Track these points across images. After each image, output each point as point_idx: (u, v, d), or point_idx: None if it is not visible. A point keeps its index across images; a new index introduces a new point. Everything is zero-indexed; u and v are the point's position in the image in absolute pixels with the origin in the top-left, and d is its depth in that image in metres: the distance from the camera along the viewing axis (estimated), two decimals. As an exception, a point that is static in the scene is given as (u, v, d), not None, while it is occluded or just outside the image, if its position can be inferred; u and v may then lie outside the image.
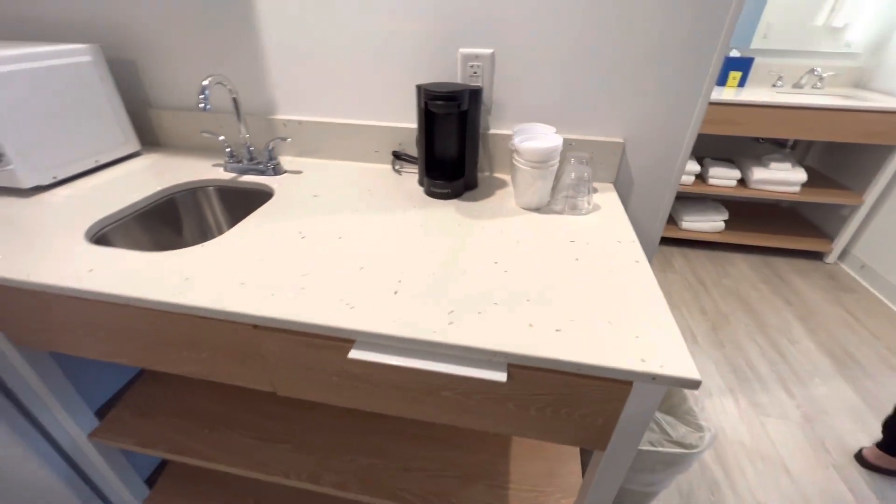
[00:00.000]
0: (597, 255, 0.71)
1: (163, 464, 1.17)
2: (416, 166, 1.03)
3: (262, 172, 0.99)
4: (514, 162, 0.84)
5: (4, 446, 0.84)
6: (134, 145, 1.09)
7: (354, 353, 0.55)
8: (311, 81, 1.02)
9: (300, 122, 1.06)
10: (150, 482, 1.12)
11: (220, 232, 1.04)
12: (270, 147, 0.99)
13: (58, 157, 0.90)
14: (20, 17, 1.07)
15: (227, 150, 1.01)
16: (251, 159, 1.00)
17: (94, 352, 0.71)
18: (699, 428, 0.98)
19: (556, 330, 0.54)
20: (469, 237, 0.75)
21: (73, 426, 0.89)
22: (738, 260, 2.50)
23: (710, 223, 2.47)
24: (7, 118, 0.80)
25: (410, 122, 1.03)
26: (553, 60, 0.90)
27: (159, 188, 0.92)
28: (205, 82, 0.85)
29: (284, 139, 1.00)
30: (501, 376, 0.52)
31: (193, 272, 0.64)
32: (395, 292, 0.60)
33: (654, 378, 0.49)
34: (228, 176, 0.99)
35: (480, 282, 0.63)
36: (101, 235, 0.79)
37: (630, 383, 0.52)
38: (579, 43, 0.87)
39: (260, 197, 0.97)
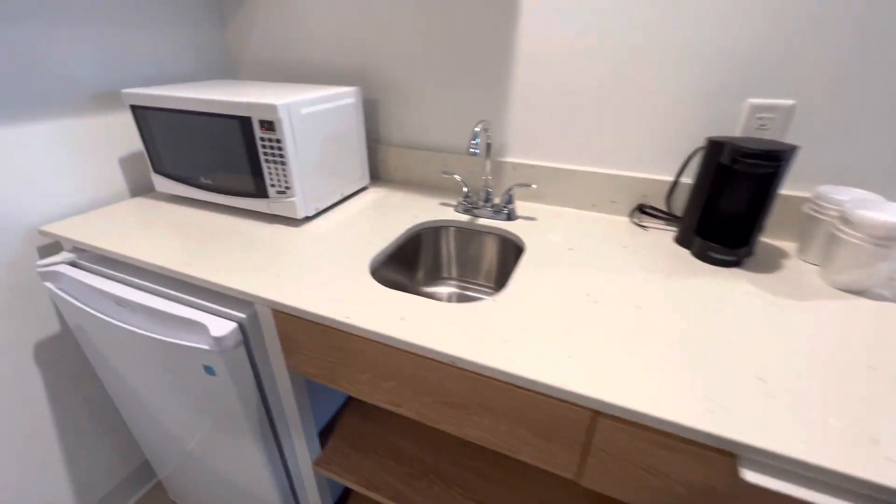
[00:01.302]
0: None
1: (345, 496, 1.17)
2: (667, 222, 0.93)
3: (497, 217, 0.97)
4: (839, 233, 0.70)
5: (252, 456, 0.87)
6: (365, 179, 1.14)
7: (754, 476, 0.44)
8: (549, 126, 0.99)
9: (532, 167, 1.03)
10: (336, 512, 1.12)
11: (451, 270, 1.03)
12: (511, 192, 0.96)
13: (320, 190, 0.96)
14: (294, 60, 1.19)
15: (465, 190, 1.00)
16: (486, 201, 0.99)
17: (373, 396, 0.70)
18: None
19: None
20: (802, 323, 0.62)
21: (304, 450, 0.91)
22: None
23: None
24: (298, 154, 0.87)
25: (658, 174, 0.94)
26: (874, 113, 0.75)
27: (410, 224, 0.93)
28: (476, 128, 0.84)
29: (527, 185, 0.96)
30: None
31: (506, 333, 0.60)
32: (769, 395, 0.50)
33: None
34: (464, 217, 0.98)
35: (881, 394, 0.50)
36: (374, 270, 0.80)
37: None
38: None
39: (499, 242, 0.94)
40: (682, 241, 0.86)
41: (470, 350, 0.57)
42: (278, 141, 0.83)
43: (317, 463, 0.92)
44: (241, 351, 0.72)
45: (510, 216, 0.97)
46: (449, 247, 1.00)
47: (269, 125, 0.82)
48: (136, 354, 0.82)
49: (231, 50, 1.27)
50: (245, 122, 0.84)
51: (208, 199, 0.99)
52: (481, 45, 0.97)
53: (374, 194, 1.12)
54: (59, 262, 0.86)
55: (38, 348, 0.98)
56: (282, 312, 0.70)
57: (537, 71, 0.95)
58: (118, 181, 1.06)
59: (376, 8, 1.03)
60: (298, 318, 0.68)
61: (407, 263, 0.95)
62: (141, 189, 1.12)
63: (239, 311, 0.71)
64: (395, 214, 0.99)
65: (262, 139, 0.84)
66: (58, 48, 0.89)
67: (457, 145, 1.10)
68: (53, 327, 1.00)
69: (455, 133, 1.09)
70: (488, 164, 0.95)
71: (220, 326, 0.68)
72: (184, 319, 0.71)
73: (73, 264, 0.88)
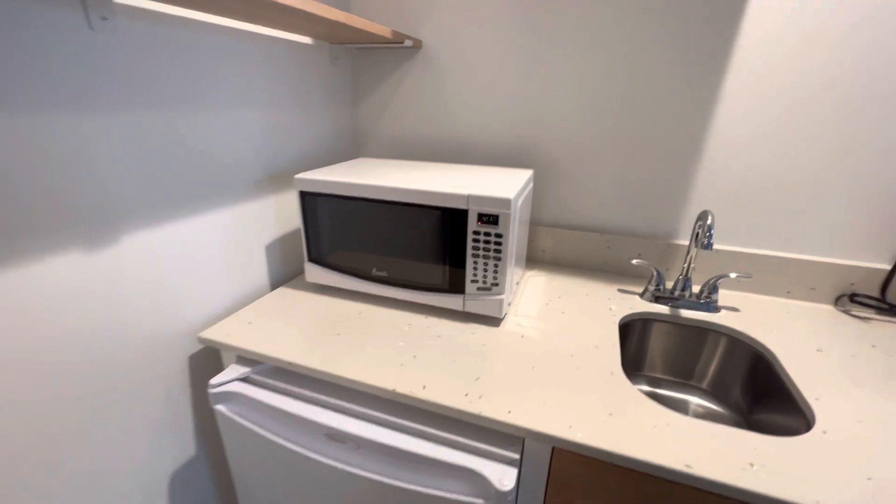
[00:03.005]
0: None
1: None
2: (880, 312, 0.87)
3: (700, 308, 0.89)
4: None
5: None
6: (524, 264, 1.05)
7: None
8: (738, 208, 0.94)
9: (716, 251, 0.97)
10: None
11: (654, 366, 0.92)
12: (717, 282, 0.89)
13: (511, 282, 0.86)
14: (432, 137, 1.14)
15: (655, 276, 0.92)
16: (684, 290, 0.91)
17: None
18: None
19: None
20: None
21: None
22: None
23: None
24: (513, 248, 0.78)
25: (865, 261, 0.89)
26: None
27: (615, 318, 0.83)
28: (709, 221, 0.78)
29: (727, 275, 0.89)
30: None
31: None
32: None
33: None
34: (662, 308, 0.90)
35: None
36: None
37: None
38: None
39: (725, 341, 0.85)
40: (928, 337, 0.79)
41: (881, 514, 0.46)
42: (499, 235, 0.74)
43: None
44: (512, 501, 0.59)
45: (714, 307, 0.89)
46: (655, 341, 0.91)
47: (491, 219, 0.74)
48: (341, 497, 0.67)
49: (361, 128, 1.21)
50: (457, 215, 0.76)
51: (377, 293, 0.88)
52: (670, 126, 0.94)
53: (536, 278, 1.03)
54: (233, 380, 0.72)
55: (175, 476, 0.80)
56: (568, 452, 0.58)
57: (729, 151, 0.92)
58: (262, 272, 0.94)
59: (544, 87, 1.00)
60: (592, 459, 0.56)
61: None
62: (279, 279, 1.00)
63: (509, 451, 0.58)
64: (586, 305, 0.89)
65: (477, 233, 0.76)
66: (218, 134, 0.79)
67: (624, 226, 1.04)
68: (189, 451, 0.83)
69: (623, 213, 1.03)
70: (694, 252, 0.88)
71: (503, 475, 0.55)
72: (446, 464, 0.57)
73: (245, 380, 0.74)
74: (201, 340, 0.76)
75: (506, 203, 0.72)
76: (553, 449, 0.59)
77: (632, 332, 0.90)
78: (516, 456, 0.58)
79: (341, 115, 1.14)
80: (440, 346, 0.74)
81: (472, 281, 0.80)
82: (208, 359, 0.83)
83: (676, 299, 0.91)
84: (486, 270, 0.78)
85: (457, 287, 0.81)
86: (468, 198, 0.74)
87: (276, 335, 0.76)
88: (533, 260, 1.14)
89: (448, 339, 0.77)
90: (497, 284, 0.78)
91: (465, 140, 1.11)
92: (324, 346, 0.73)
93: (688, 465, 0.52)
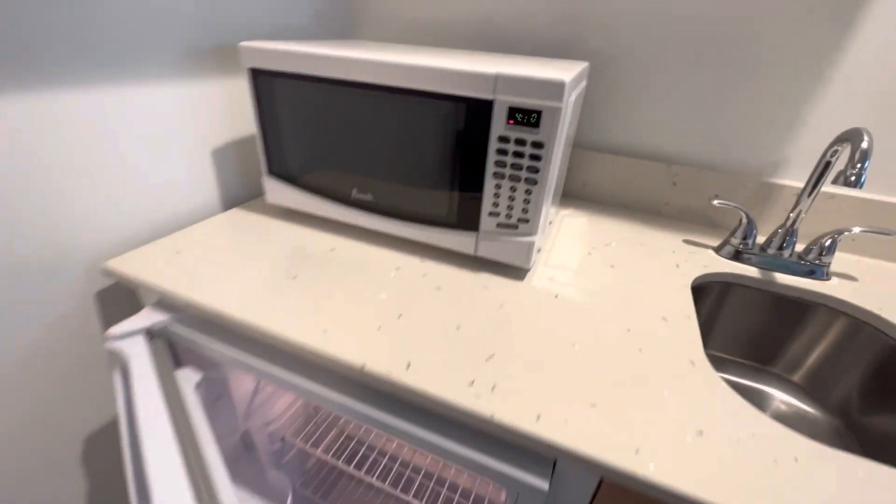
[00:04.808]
0: None
1: None
2: None
3: (801, 272, 0.64)
4: None
5: None
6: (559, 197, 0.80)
7: None
8: (877, 130, 0.66)
9: (833, 196, 0.70)
10: None
11: (724, 343, 0.69)
12: (835, 239, 0.63)
13: (545, 220, 0.61)
14: (448, 18, 0.83)
15: (746, 224, 0.67)
16: (781, 248, 0.66)
17: None
18: None
19: None
20: None
21: None
22: None
23: None
24: (557, 164, 0.52)
25: None
26: None
27: (686, 279, 0.59)
28: (863, 143, 0.51)
29: (849, 229, 0.63)
30: None
31: None
32: None
33: None
34: (749, 269, 0.65)
35: None
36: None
37: None
38: None
39: (812, 314, 0.61)
40: None
41: None
42: (538, 145, 0.48)
43: None
44: (530, 548, 0.38)
45: (824, 273, 0.64)
46: (731, 313, 0.67)
47: (530, 118, 0.47)
48: None
49: (356, 5, 0.90)
50: (477, 109, 0.49)
51: (358, 223, 0.64)
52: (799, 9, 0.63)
53: (573, 220, 0.78)
54: (138, 331, 0.51)
55: (85, 451, 0.63)
56: (628, 491, 0.36)
57: (884, 43, 0.62)
58: (209, 185, 0.70)
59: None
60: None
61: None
62: (235, 197, 0.76)
63: (529, 474, 0.37)
64: (642, 258, 0.65)
65: (505, 139, 0.50)
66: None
67: (697, 154, 0.76)
68: (98, 419, 0.64)
69: (700, 135, 0.75)
70: (814, 191, 0.62)
71: (522, 520, 0.34)
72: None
73: (162, 335, 0.53)
74: (106, 273, 0.54)
75: (556, 89, 0.45)
76: (601, 481, 0.38)
77: (702, 299, 0.66)
78: (542, 485, 0.37)
79: (326, -20, 0.83)
80: (438, 304, 0.52)
81: (492, 214, 0.55)
82: (128, 298, 0.62)
83: (770, 258, 0.66)
84: (512, 199, 0.53)
85: (468, 221, 0.57)
86: (496, 79, 0.47)
87: (207, 272, 0.54)
88: (568, 196, 0.88)
89: (450, 293, 0.54)
90: (527, 221, 0.54)
91: (492, 21, 0.81)
92: (270, 292, 0.51)
93: (848, 547, 0.30)
